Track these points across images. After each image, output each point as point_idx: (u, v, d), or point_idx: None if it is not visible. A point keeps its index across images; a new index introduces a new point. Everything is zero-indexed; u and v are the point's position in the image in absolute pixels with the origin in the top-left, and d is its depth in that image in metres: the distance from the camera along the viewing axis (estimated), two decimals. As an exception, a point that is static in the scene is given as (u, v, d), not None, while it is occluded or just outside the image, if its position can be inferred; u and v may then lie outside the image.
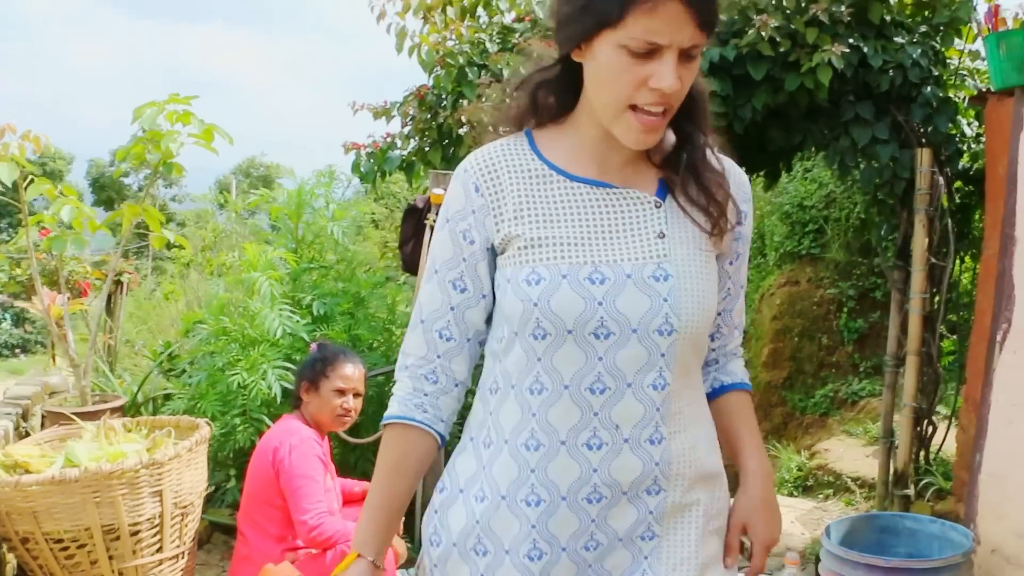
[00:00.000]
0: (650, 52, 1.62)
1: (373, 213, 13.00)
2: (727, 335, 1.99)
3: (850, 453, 7.67)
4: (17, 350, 38.63)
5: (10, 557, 4.27)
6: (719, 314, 1.93)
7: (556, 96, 1.84)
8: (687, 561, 1.82)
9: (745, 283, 1.98)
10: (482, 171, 1.82)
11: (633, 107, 1.68)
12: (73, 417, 4.51)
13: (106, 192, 38.48)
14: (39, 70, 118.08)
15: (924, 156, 5.31)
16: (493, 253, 1.82)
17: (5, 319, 40.72)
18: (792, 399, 9.47)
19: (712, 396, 1.97)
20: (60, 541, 3.83)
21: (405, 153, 6.52)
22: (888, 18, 5.85)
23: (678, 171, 1.83)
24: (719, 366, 2.01)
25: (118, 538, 3.88)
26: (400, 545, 4.29)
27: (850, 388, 8.94)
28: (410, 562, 4.57)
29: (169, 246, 6.21)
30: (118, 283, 6.20)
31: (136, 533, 3.92)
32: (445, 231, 1.84)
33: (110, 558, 3.90)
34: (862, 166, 5.85)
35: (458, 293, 1.83)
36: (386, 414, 1.89)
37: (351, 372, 4.26)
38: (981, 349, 4.51)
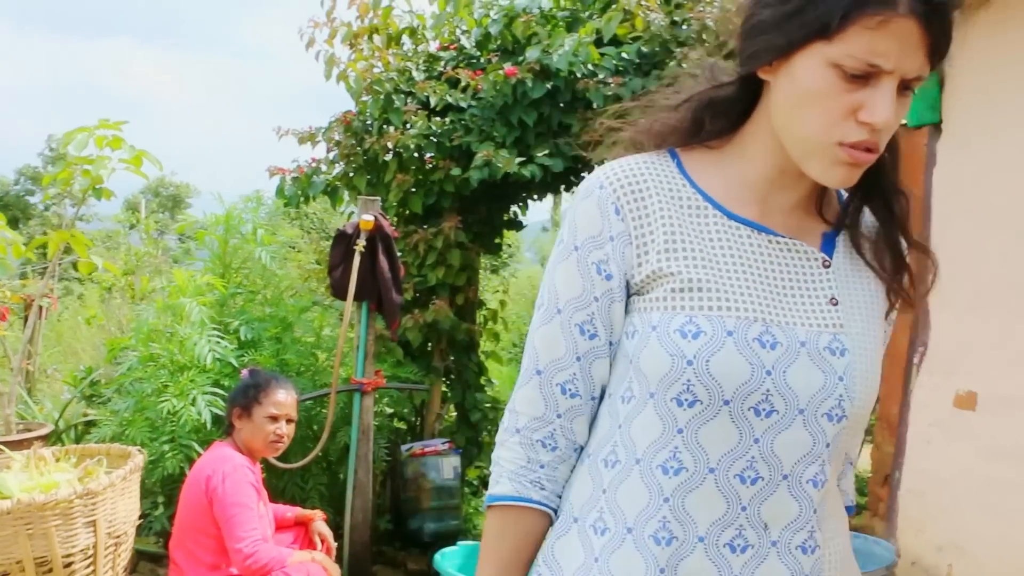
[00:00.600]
0: (866, 76, 1.32)
1: (290, 236, 12.98)
2: None
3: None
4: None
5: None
6: None
7: (721, 118, 1.52)
8: None
9: (881, 367, 1.56)
10: (625, 189, 1.46)
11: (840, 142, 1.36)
12: (1, 447, 4.45)
13: (10, 211, 37.68)
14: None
15: (845, 185, 5.50)
16: (627, 291, 1.48)
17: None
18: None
19: None
20: (-11, 575, 3.79)
21: (329, 178, 6.57)
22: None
23: (857, 225, 1.53)
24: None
25: (51, 570, 3.81)
26: (335, 570, 4.31)
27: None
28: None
29: (91, 271, 6.16)
30: (39, 308, 6.11)
31: (69, 565, 3.86)
32: (572, 261, 1.48)
33: (42, 590, 3.84)
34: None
35: (586, 339, 1.48)
36: (493, 492, 1.53)
37: (284, 398, 4.28)
38: (894, 370, 4.69)
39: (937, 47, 1.31)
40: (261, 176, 6.85)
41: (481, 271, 11.99)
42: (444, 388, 6.96)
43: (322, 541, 4.53)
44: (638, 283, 1.45)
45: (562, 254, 1.49)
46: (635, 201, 1.45)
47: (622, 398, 1.46)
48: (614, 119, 1.63)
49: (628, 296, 1.47)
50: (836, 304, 1.45)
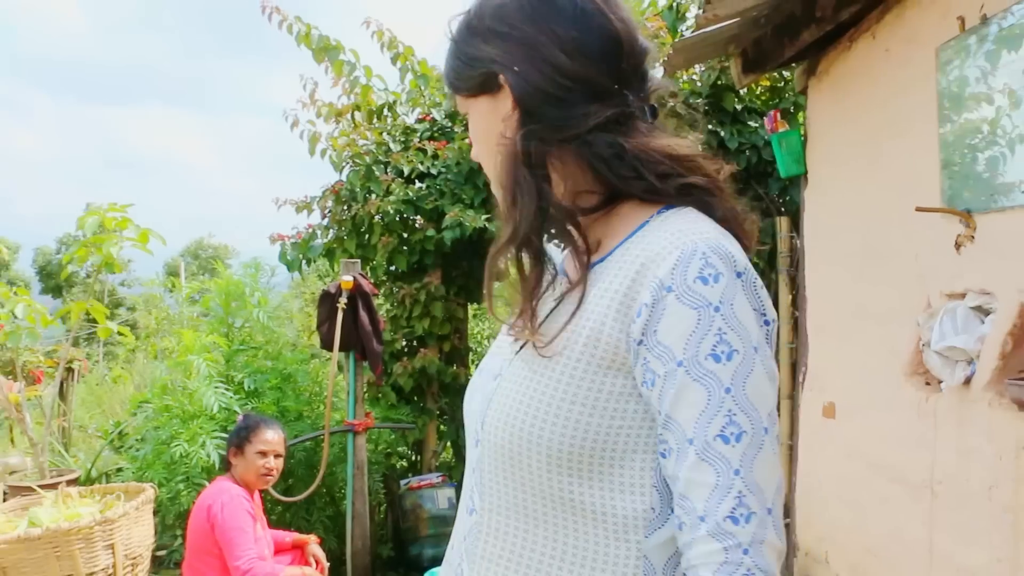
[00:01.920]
0: None
1: (313, 294, 13.78)
2: (683, 519, 1.28)
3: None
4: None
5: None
6: (654, 488, 1.35)
7: None
8: None
9: (702, 433, 1.24)
10: None
11: None
12: (35, 488, 5.27)
13: (53, 280, 38.85)
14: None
15: (783, 223, 6.09)
16: None
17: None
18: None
19: None
20: (26, 593, 4.54)
21: (325, 242, 7.42)
22: (740, 107, 6.89)
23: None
24: None
25: None
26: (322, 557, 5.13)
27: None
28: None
29: (108, 335, 7.03)
30: (69, 370, 6.93)
31: None
32: None
33: (70, 605, 4.58)
34: (729, 235, 6.84)
35: None
36: None
37: (271, 437, 4.99)
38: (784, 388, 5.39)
39: (452, 85, 1.54)
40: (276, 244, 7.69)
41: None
42: (440, 427, 7.74)
43: (316, 562, 5.25)
44: None
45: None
46: None
47: None
48: None
49: None
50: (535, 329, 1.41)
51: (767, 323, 1.33)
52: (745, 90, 6.87)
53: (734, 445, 1.23)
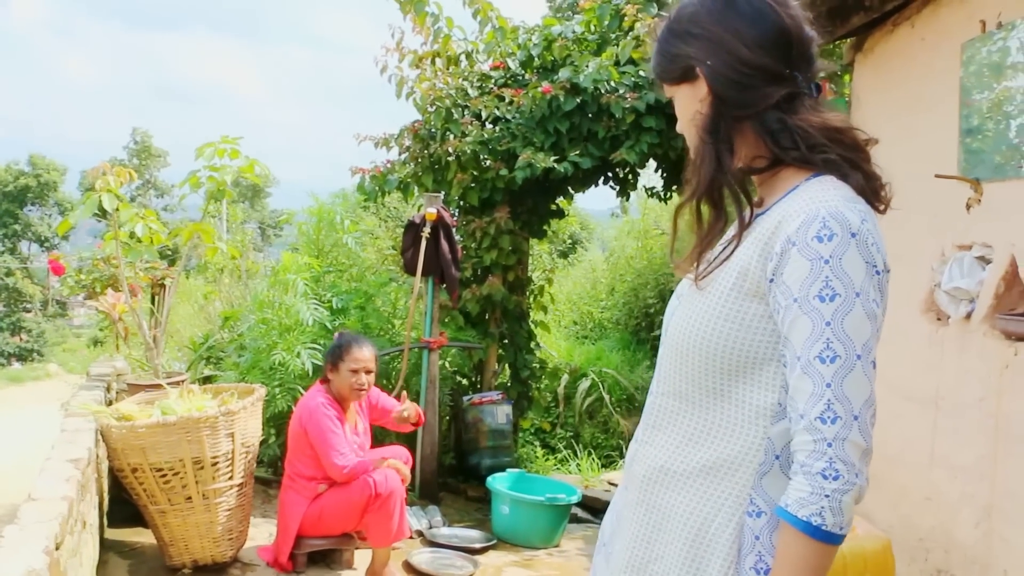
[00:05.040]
0: None
1: (369, 223, 14.63)
2: (791, 415, 1.70)
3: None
4: (13, 359, 40.13)
5: (105, 486, 5.77)
6: (783, 388, 1.76)
7: None
8: (621, 555, 1.98)
9: (806, 353, 1.66)
10: None
11: None
12: (162, 384, 5.90)
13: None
14: (28, 82, 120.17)
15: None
16: None
17: (1, 329, 42.21)
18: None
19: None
20: (160, 470, 5.21)
21: (401, 176, 8.23)
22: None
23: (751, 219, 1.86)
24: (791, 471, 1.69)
25: (202, 468, 5.26)
26: (407, 473, 5.68)
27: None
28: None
29: (214, 255, 7.75)
30: (162, 286, 7.60)
31: (215, 464, 5.31)
32: None
33: (196, 483, 5.27)
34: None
35: None
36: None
37: (361, 355, 5.58)
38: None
39: (658, 78, 1.99)
40: (333, 166, 8.46)
41: (548, 255, 13.54)
42: (500, 351, 8.55)
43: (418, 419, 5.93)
44: None
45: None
46: None
47: None
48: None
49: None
50: (704, 265, 1.86)
51: (878, 273, 1.68)
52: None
53: (828, 365, 1.61)
